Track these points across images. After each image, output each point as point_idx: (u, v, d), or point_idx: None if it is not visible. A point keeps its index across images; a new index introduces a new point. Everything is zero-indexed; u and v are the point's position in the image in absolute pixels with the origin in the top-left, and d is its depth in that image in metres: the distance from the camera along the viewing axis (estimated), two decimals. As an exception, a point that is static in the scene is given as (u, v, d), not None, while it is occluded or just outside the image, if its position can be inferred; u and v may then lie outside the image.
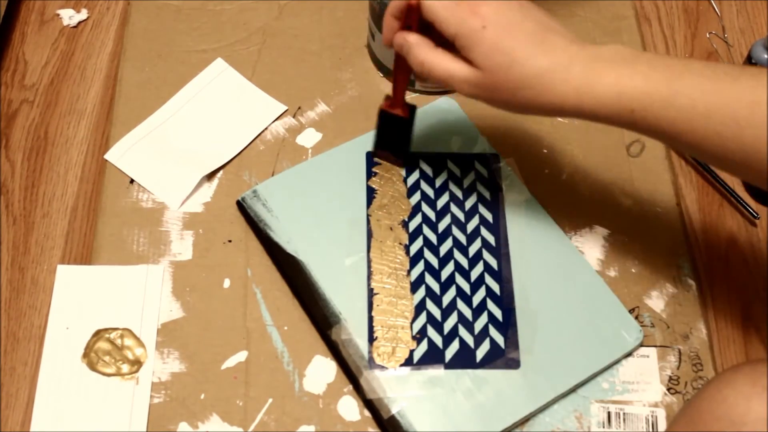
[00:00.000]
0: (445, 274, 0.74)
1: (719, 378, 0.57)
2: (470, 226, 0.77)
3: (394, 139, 0.77)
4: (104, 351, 0.71)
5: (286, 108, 0.84)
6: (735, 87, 0.55)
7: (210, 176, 0.81)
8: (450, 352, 0.70)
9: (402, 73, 0.71)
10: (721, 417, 0.54)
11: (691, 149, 0.58)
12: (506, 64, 0.59)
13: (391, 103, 0.74)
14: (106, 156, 0.81)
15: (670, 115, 0.57)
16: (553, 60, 0.59)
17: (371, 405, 0.68)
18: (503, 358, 0.70)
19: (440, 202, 0.78)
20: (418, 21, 0.64)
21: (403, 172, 0.80)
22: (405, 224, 0.77)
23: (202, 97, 0.85)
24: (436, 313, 0.72)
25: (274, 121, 0.84)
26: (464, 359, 0.70)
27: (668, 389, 0.71)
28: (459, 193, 0.79)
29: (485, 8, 0.60)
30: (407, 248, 0.75)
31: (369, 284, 0.73)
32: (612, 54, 0.60)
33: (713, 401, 0.55)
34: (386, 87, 0.87)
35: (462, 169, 0.80)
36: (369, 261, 0.74)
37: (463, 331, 0.71)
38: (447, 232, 0.76)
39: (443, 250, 0.75)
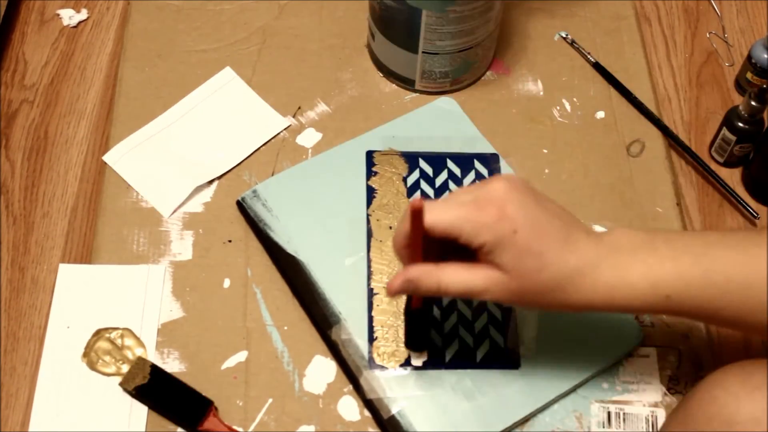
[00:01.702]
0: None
1: (709, 379, 0.57)
2: (470, 226, 0.77)
3: (419, 332, 0.70)
4: (104, 351, 0.71)
5: (289, 124, 0.83)
6: (765, 253, 0.55)
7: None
8: (450, 352, 0.70)
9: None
10: (711, 417, 0.54)
11: (732, 323, 0.58)
12: (537, 268, 0.56)
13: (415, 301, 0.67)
14: (105, 158, 0.81)
15: (707, 295, 0.56)
16: (581, 259, 0.57)
17: (371, 405, 0.68)
18: (503, 358, 0.70)
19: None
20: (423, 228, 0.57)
21: (404, 172, 0.80)
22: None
23: (206, 106, 0.85)
24: (436, 313, 0.72)
25: (275, 136, 0.83)
26: (464, 359, 0.70)
27: (668, 389, 0.71)
28: (459, 193, 0.78)
29: (512, 209, 0.56)
30: (407, 248, 0.75)
31: (369, 284, 0.73)
32: (628, 242, 0.58)
33: (704, 402, 0.55)
34: (386, 86, 0.87)
35: (462, 169, 0.80)
36: (369, 261, 0.74)
37: (463, 331, 0.71)
38: (447, 232, 0.76)
39: (443, 250, 0.75)
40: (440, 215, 0.57)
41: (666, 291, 0.56)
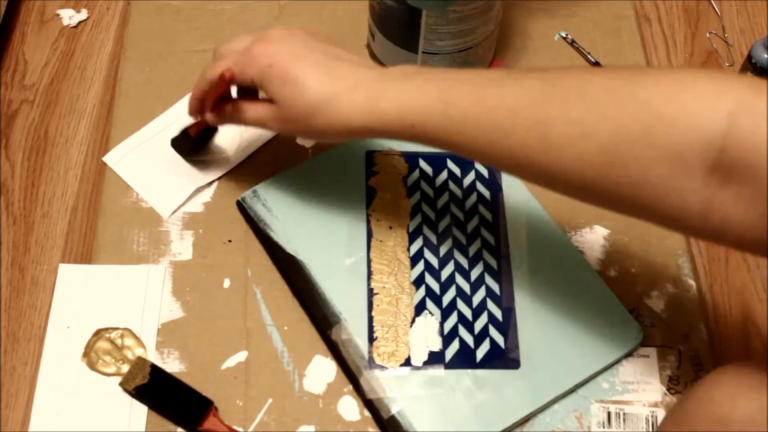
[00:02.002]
0: (445, 274, 0.74)
1: (706, 379, 0.57)
2: (470, 226, 0.77)
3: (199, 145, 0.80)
4: (104, 351, 0.71)
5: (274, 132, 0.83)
6: (499, 93, 0.56)
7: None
8: (450, 352, 0.70)
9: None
10: (708, 417, 0.54)
11: (473, 158, 0.60)
12: (295, 94, 0.63)
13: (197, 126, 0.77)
14: (105, 159, 0.81)
15: (446, 126, 0.58)
16: (339, 84, 0.62)
17: (371, 405, 0.68)
18: (503, 358, 0.70)
19: (440, 202, 0.78)
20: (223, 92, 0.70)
21: (404, 172, 0.80)
22: (405, 224, 0.77)
23: None
24: (436, 312, 0.72)
25: (276, 136, 0.83)
26: (464, 359, 0.70)
27: (668, 389, 0.71)
28: (459, 193, 0.79)
29: (269, 47, 0.65)
30: (407, 248, 0.75)
31: (369, 284, 0.73)
32: (397, 73, 0.62)
33: (700, 401, 0.55)
34: (386, 87, 0.87)
35: (462, 169, 0.80)
36: (369, 261, 0.74)
37: (463, 331, 0.71)
38: (447, 232, 0.76)
39: (443, 250, 0.75)
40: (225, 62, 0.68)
41: (411, 120, 0.59)
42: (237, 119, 0.70)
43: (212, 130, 0.79)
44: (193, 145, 0.79)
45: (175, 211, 0.78)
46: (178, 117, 0.83)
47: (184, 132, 0.78)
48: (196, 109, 0.73)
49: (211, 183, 0.80)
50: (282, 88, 0.64)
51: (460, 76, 0.60)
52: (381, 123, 0.61)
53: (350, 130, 0.62)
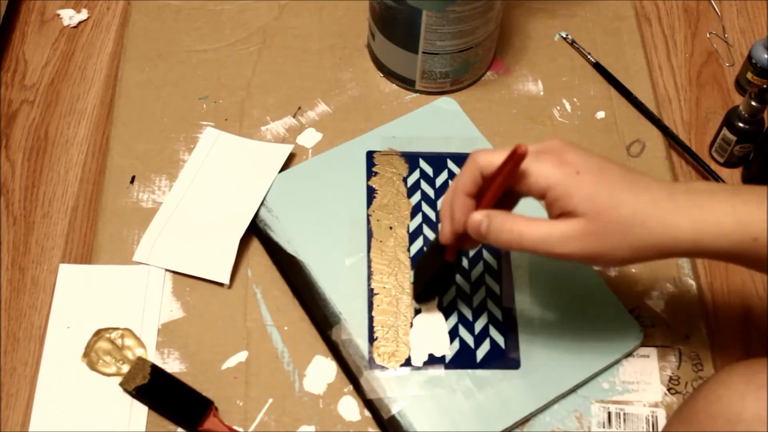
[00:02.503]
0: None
1: (714, 378, 0.57)
2: (470, 226, 0.77)
3: (440, 285, 0.72)
4: (104, 351, 0.71)
5: (292, 146, 0.81)
6: None
7: (210, 176, 0.81)
8: (450, 352, 0.70)
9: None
10: (716, 416, 0.54)
11: None
12: (612, 205, 0.55)
13: (448, 253, 0.65)
14: (135, 257, 0.75)
15: None
16: (655, 196, 0.56)
17: (371, 405, 0.68)
18: (503, 358, 0.70)
19: (440, 202, 0.78)
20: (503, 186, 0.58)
21: (404, 173, 0.80)
22: (405, 224, 0.77)
23: (206, 170, 0.80)
24: (437, 313, 0.72)
25: (284, 163, 0.80)
26: (464, 359, 0.70)
27: (668, 389, 0.71)
28: (459, 193, 0.78)
29: (571, 156, 0.57)
30: (407, 248, 0.75)
31: (369, 284, 0.73)
32: (707, 186, 0.57)
33: (708, 401, 0.55)
34: (386, 86, 0.87)
35: (462, 169, 0.80)
36: (369, 261, 0.74)
37: (463, 331, 0.71)
38: (447, 232, 0.76)
39: (443, 250, 0.75)
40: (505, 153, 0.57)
41: (754, 231, 0.54)
42: (510, 236, 0.58)
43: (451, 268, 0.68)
44: (439, 279, 0.69)
45: (233, 273, 0.75)
46: (185, 191, 0.79)
47: (437, 254, 0.65)
48: (457, 221, 0.60)
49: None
50: (595, 199, 0.55)
51: None
52: (717, 235, 0.55)
53: (676, 244, 0.55)
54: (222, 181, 0.80)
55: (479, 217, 0.59)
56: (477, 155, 0.59)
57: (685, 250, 0.56)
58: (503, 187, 0.58)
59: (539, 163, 0.57)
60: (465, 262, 0.75)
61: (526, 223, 0.58)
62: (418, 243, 0.76)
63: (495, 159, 0.58)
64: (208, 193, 0.79)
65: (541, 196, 0.57)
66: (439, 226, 0.63)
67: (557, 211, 0.57)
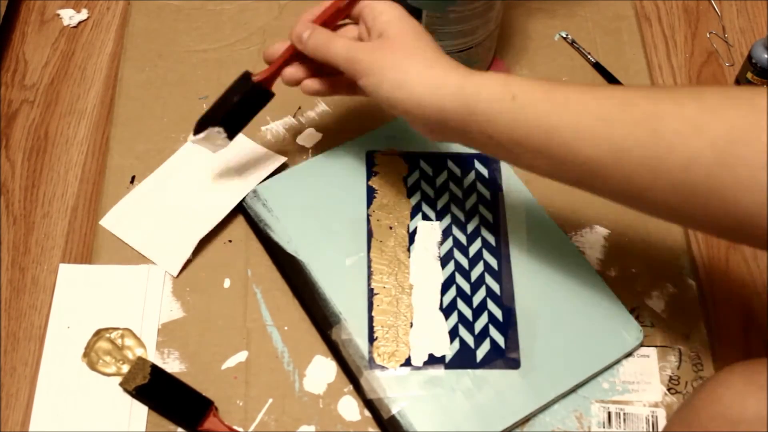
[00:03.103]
0: (445, 274, 0.74)
1: (714, 378, 0.57)
2: (470, 226, 0.77)
3: (245, 116, 0.75)
4: (104, 351, 0.71)
5: (285, 159, 0.80)
6: (608, 90, 0.58)
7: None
8: (450, 352, 0.70)
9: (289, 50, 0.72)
10: (716, 416, 0.54)
11: (560, 153, 0.58)
12: (396, 59, 0.64)
13: (264, 78, 0.73)
14: (102, 222, 0.77)
15: (548, 109, 0.57)
16: (443, 69, 0.63)
17: (371, 405, 0.68)
18: (503, 358, 0.70)
19: (440, 202, 0.78)
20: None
21: (404, 172, 0.80)
22: (405, 224, 0.77)
23: (198, 157, 0.80)
24: (438, 314, 0.72)
25: (271, 173, 0.79)
26: (464, 359, 0.70)
27: (668, 389, 0.71)
28: (459, 193, 0.79)
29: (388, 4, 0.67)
30: (407, 248, 0.75)
31: (369, 284, 0.73)
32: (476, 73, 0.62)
33: (708, 401, 0.55)
34: (386, 87, 0.87)
35: (462, 169, 0.80)
36: (369, 261, 0.74)
37: (463, 331, 0.71)
38: (447, 232, 0.76)
39: (443, 250, 0.75)
40: None
41: (514, 90, 0.59)
42: (324, 48, 0.68)
43: (264, 96, 0.74)
44: (241, 103, 0.73)
45: (183, 269, 0.76)
46: (172, 172, 0.80)
47: (243, 79, 0.72)
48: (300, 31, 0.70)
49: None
50: (398, 24, 0.65)
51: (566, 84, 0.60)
52: (478, 86, 0.60)
53: (433, 93, 0.62)
54: (208, 174, 0.80)
55: (305, 28, 0.69)
56: None
57: (438, 109, 0.62)
58: (335, 7, 0.69)
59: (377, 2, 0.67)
60: (465, 263, 0.75)
61: (337, 37, 0.68)
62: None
63: None
64: (191, 181, 0.80)
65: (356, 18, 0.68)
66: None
67: (368, 25, 0.67)
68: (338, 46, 0.67)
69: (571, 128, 0.56)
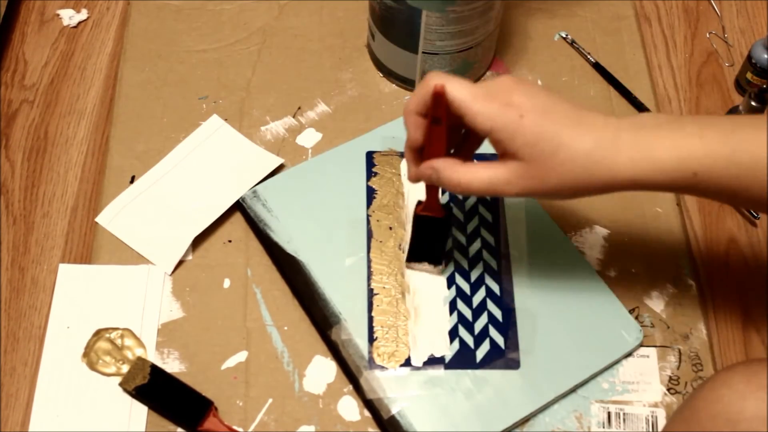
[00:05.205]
0: (445, 275, 0.74)
1: (714, 378, 0.57)
2: (470, 227, 0.77)
3: (431, 245, 0.72)
4: (104, 351, 0.71)
5: (282, 160, 0.81)
6: None
7: (210, 176, 0.81)
8: (450, 352, 0.70)
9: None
10: (716, 416, 0.54)
11: (756, 203, 0.57)
12: (552, 150, 0.57)
13: (424, 207, 0.70)
14: (98, 219, 0.78)
15: (734, 173, 0.55)
16: (598, 136, 0.57)
17: (371, 405, 0.68)
18: (503, 358, 0.70)
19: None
20: (446, 111, 0.60)
21: (404, 172, 0.80)
22: (405, 224, 0.76)
23: (196, 155, 0.81)
24: (440, 311, 0.72)
25: (267, 175, 0.79)
26: (464, 359, 0.70)
27: (668, 389, 0.71)
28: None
29: (517, 97, 0.58)
30: (407, 248, 0.75)
31: (369, 284, 0.73)
32: (653, 120, 0.58)
33: (709, 400, 0.55)
34: (386, 86, 0.87)
35: (462, 169, 0.80)
36: (369, 261, 0.74)
37: (462, 332, 0.71)
38: (447, 232, 0.76)
39: (443, 250, 0.75)
40: (457, 88, 0.59)
41: (693, 167, 0.56)
42: (458, 187, 0.62)
43: (436, 222, 0.70)
44: (420, 236, 0.71)
45: (177, 266, 0.76)
46: (169, 169, 0.81)
47: (414, 215, 0.70)
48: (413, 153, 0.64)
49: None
50: (536, 144, 0.57)
51: (734, 121, 0.57)
52: (654, 172, 0.56)
53: (613, 182, 0.57)
54: (205, 172, 0.80)
55: (427, 171, 0.63)
56: (430, 76, 0.60)
57: (623, 186, 0.58)
58: (441, 112, 0.60)
59: (486, 103, 0.58)
60: (465, 263, 0.75)
61: (469, 170, 0.61)
62: (418, 243, 0.76)
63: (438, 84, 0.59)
64: (187, 180, 0.80)
65: (484, 134, 0.60)
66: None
67: (501, 152, 0.59)
68: (478, 185, 0.61)
69: (762, 190, 0.55)
